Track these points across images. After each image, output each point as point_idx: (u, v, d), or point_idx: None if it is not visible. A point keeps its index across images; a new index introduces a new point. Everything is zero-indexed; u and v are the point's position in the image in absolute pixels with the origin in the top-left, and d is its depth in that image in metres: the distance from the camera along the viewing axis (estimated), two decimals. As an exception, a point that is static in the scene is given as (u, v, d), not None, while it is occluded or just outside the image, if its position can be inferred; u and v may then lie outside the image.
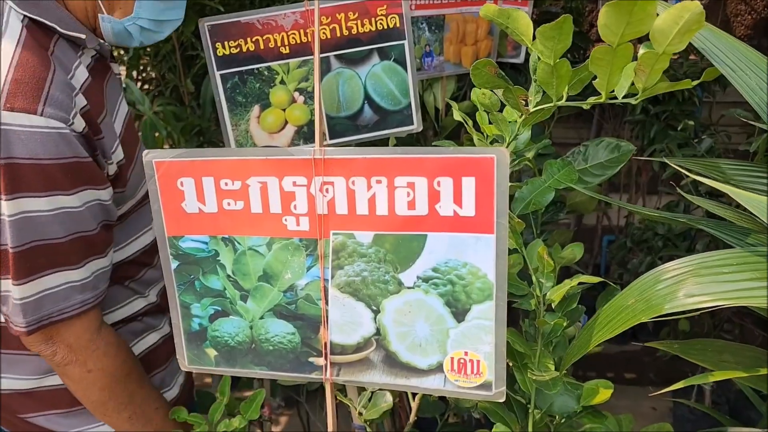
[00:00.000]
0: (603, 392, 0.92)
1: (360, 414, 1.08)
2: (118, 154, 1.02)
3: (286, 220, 0.78)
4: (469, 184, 0.71)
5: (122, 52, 2.30)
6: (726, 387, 2.31)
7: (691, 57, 2.50)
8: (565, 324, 0.90)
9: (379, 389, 1.07)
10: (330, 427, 0.85)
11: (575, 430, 0.96)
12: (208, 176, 0.78)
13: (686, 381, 0.77)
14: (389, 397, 1.06)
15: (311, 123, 1.38)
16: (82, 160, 0.94)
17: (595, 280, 0.90)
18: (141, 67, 2.35)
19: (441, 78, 1.86)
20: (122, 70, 2.27)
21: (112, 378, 1.05)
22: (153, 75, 2.35)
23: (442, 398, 1.46)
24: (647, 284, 0.72)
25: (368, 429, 1.05)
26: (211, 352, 0.85)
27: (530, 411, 0.92)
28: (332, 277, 0.79)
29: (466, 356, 0.77)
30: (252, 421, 1.14)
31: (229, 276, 0.82)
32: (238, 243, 0.80)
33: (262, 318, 0.82)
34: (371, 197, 0.74)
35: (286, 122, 1.38)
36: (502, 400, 0.77)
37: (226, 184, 0.78)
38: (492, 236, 0.72)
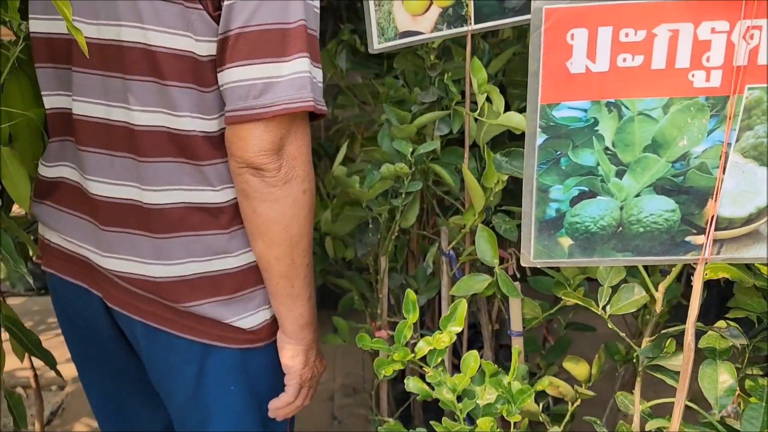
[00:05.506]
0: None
1: (604, 310, 1.00)
2: None
3: (693, 75, 0.66)
4: None
5: None
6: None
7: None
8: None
9: (628, 282, 1.00)
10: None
11: None
12: (605, 25, 0.65)
13: None
14: (640, 290, 0.99)
15: (456, 3, 1.23)
16: None
17: None
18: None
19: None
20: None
21: (311, 209, 0.97)
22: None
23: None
24: None
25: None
26: (565, 242, 0.73)
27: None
28: (737, 140, 0.69)
29: None
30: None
31: (606, 149, 0.70)
32: (626, 108, 0.68)
33: (637, 196, 0.71)
34: (801, 42, 0.65)
35: (431, 4, 1.23)
36: None
37: (627, 34, 0.65)
38: None
